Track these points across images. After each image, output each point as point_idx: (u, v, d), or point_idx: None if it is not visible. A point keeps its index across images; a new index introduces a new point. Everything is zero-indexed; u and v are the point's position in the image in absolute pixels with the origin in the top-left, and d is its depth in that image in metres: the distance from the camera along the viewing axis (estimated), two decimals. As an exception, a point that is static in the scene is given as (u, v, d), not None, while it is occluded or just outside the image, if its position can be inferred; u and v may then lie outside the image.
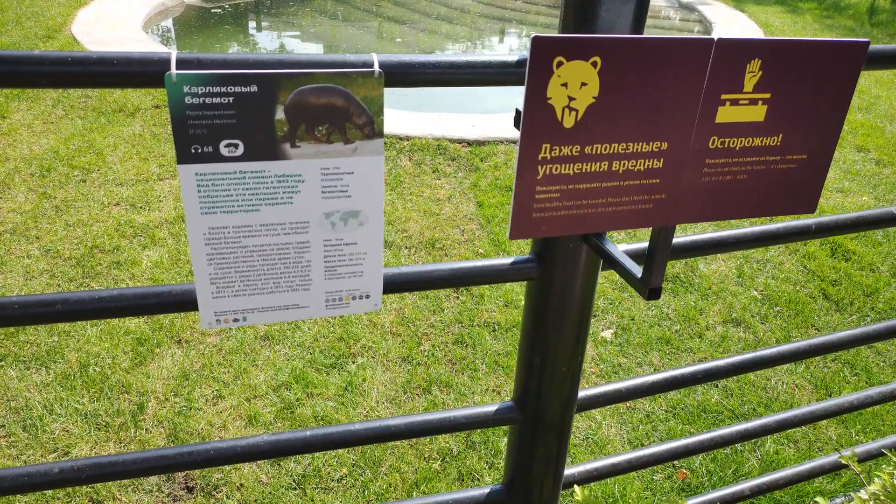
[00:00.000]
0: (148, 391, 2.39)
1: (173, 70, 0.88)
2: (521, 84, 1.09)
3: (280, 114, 0.94)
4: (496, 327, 2.86)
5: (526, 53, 0.97)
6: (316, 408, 2.38)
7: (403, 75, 1.03)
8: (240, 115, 0.92)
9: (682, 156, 0.84)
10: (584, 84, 0.79)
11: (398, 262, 3.22)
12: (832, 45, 0.83)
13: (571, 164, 0.82)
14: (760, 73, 0.82)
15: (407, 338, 2.75)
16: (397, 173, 4.02)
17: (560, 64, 0.77)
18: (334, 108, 0.97)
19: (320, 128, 0.97)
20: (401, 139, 4.33)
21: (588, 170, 0.82)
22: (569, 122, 0.80)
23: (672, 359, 2.80)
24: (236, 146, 0.94)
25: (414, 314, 2.88)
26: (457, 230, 3.52)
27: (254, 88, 0.92)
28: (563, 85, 0.78)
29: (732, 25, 8.43)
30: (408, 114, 4.80)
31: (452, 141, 4.36)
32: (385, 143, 4.33)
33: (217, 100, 0.91)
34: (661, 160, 0.84)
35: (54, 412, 2.28)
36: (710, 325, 3.00)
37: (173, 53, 0.92)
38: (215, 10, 8.02)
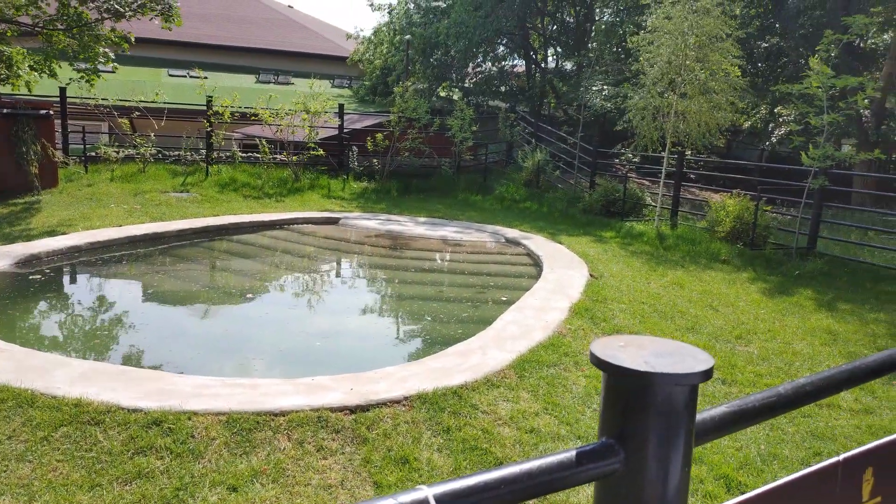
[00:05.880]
0: None
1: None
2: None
3: None
4: None
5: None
6: None
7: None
8: None
9: None
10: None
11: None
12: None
13: None
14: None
15: None
16: (277, 459, 3.54)
17: None
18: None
19: None
20: (275, 415, 3.91)
21: None
22: None
23: None
24: None
25: None
26: (358, 522, 3.07)
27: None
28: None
29: (557, 257, 9.38)
30: (279, 382, 4.44)
31: (333, 410, 4.03)
32: (258, 423, 3.88)
33: None
34: None
35: None
36: None
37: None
38: (33, 277, 7.32)
